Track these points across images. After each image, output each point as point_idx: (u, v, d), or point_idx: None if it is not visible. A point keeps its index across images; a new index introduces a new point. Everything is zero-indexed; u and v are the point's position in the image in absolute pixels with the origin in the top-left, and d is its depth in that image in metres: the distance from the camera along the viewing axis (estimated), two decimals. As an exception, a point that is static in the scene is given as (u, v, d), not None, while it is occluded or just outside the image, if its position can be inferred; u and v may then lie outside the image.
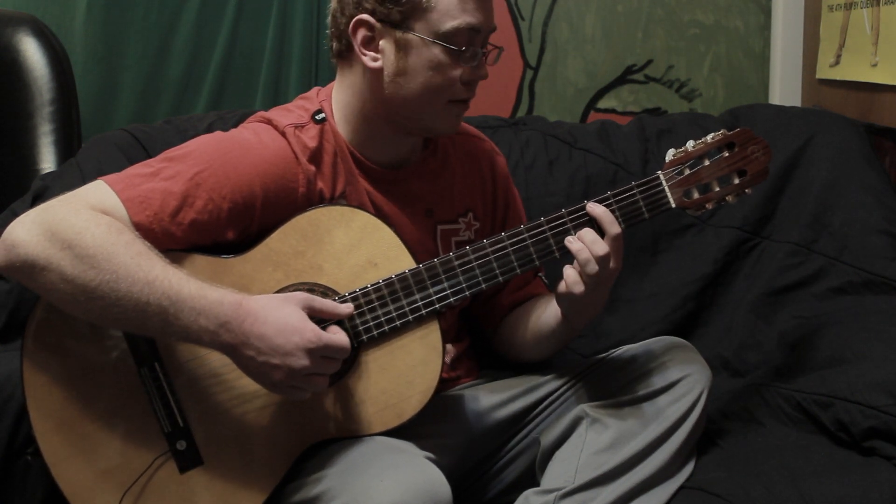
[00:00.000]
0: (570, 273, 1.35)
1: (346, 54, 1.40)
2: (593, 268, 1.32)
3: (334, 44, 1.41)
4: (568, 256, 1.36)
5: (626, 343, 1.55)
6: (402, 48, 1.34)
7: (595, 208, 1.35)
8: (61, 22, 2.19)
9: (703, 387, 1.42)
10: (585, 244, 1.33)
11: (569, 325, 1.45)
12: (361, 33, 1.35)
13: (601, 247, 1.32)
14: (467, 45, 1.34)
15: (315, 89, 1.48)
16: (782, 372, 1.69)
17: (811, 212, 1.87)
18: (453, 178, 1.52)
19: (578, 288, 1.34)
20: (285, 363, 1.21)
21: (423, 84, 1.35)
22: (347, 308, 1.30)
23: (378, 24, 1.34)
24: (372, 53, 1.36)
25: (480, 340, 1.65)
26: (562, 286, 1.37)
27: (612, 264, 1.33)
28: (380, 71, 1.36)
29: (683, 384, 1.40)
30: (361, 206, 1.39)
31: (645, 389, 1.40)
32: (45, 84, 1.92)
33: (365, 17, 1.34)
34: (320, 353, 1.23)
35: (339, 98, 1.43)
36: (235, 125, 1.50)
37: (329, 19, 1.41)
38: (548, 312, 1.48)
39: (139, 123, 1.92)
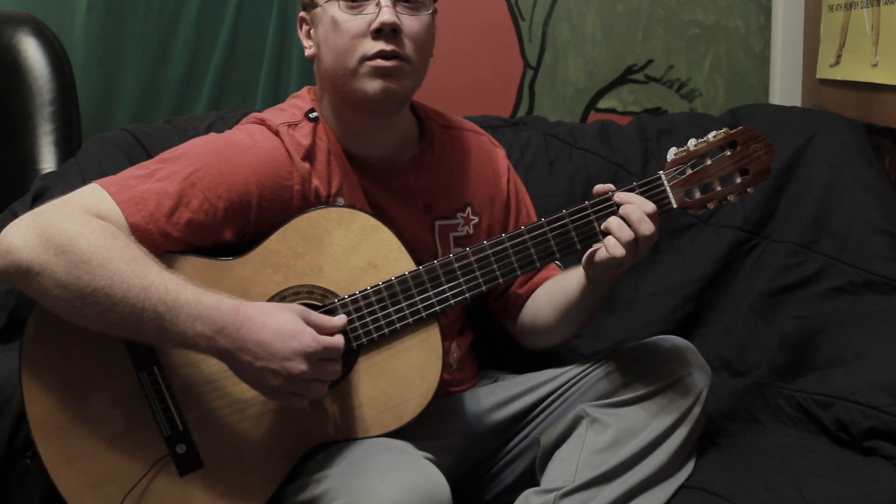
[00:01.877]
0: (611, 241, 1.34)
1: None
2: (648, 228, 1.31)
3: None
4: (569, 257, 1.35)
5: (626, 343, 1.55)
6: (315, 24, 1.41)
7: (621, 196, 1.34)
8: (61, 22, 2.19)
9: (702, 386, 1.42)
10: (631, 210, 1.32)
11: (594, 292, 1.43)
12: (303, 28, 1.45)
13: (645, 213, 1.32)
14: None
15: (306, 88, 1.50)
16: (783, 372, 1.70)
17: (811, 212, 1.87)
18: (451, 172, 1.52)
19: (619, 251, 1.32)
20: (283, 368, 1.21)
21: (332, 48, 1.37)
22: (341, 320, 1.29)
23: (307, 15, 1.43)
24: (308, 42, 1.44)
25: (480, 340, 1.64)
26: (601, 253, 1.34)
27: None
28: (315, 56, 1.42)
29: (683, 384, 1.40)
30: (358, 205, 1.39)
31: (644, 389, 1.40)
32: (45, 84, 1.92)
33: (301, 13, 1.44)
34: (319, 356, 1.23)
35: (318, 98, 1.47)
36: (235, 125, 1.50)
37: None
38: (570, 285, 1.47)
39: (139, 123, 1.92)
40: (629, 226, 1.32)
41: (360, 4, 1.35)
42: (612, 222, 1.33)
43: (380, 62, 1.34)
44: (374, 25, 1.33)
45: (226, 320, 1.20)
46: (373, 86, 1.35)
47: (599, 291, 1.44)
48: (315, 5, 1.39)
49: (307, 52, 1.44)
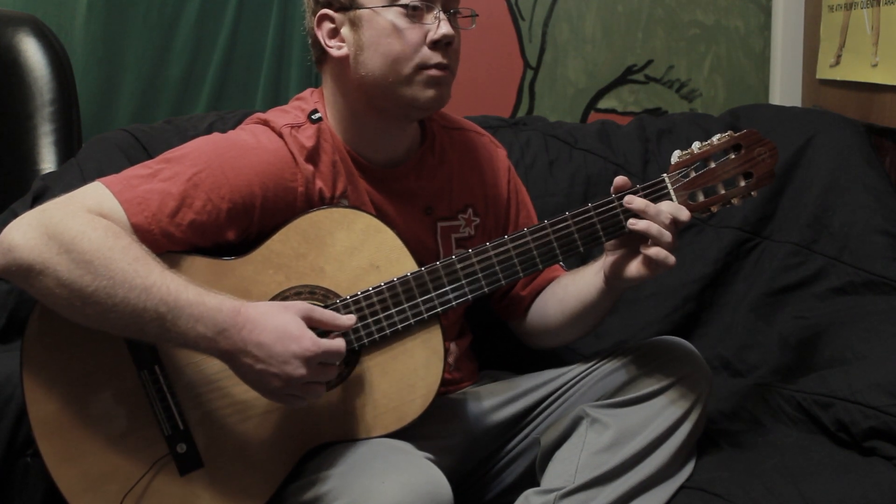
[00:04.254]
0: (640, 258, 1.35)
1: (322, 57, 1.43)
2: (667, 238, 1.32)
3: (313, 52, 1.45)
4: (571, 259, 1.35)
5: (626, 343, 1.55)
6: (356, 26, 1.37)
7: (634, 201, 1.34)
8: (61, 22, 2.19)
9: (703, 387, 1.42)
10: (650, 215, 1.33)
11: (613, 295, 1.44)
12: (325, 27, 1.40)
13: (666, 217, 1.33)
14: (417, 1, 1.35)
15: (309, 90, 1.49)
16: (783, 372, 1.70)
17: (811, 212, 1.87)
18: (451, 174, 1.52)
19: (672, 259, 1.33)
20: (283, 371, 1.21)
21: (384, 54, 1.35)
22: (349, 319, 1.29)
23: (336, 14, 1.38)
24: (336, 43, 1.39)
25: (480, 340, 1.65)
26: (635, 269, 1.35)
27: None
28: (346, 58, 1.38)
29: (683, 384, 1.40)
30: (362, 207, 1.39)
31: (645, 389, 1.40)
32: (45, 84, 1.92)
33: (323, 10, 1.39)
34: (318, 360, 1.23)
35: (328, 100, 1.45)
36: (235, 125, 1.50)
37: (306, 30, 1.45)
38: (584, 289, 1.47)
39: (139, 123, 1.92)
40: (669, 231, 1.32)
41: (420, 14, 1.35)
42: (652, 228, 1.31)
43: (435, 72, 1.36)
44: (435, 37, 1.35)
45: (227, 322, 1.20)
46: (426, 94, 1.37)
47: (618, 294, 1.45)
48: (358, 6, 1.36)
49: (336, 53, 1.39)
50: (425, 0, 1.35)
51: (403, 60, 1.35)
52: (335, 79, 1.43)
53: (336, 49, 1.39)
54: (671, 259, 1.32)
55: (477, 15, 1.43)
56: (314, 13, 1.41)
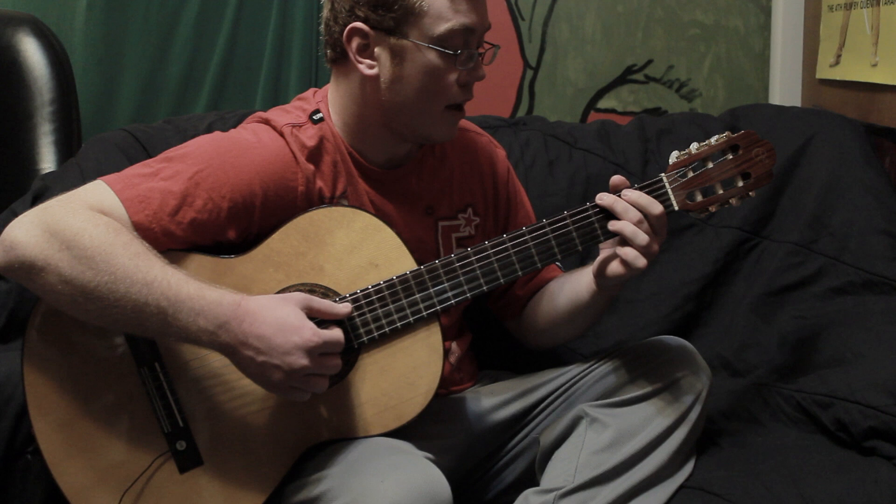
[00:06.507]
0: (620, 256, 1.34)
1: (341, 61, 1.40)
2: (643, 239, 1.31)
3: (329, 51, 1.42)
4: (570, 258, 1.35)
5: (626, 343, 1.55)
6: (397, 55, 1.34)
7: (605, 198, 1.34)
8: (61, 22, 2.19)
9: (702, 386, 1.42)
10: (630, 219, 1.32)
11: (604, 297, 1.44)
12: (356, 41, 1.36)
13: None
14: (462, 47, 1.34)
15: (311, 90, 1.49)
16: (782, 372, 1.70)
17: (811, 212, 1.87)
18: (452, 174, 1.52)
19: (641, 261, 1.32)
20: (284, 363, 1.21)
21: (420, 90, 1.35)
22: (346, 308, 1.30)
23: (372, 32, 1.34)
24: (368, 61, 1.36)
25: (480, 340, 1.65)
26: (614, 268, 1.35)
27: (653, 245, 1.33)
28: (376, 78, 1.36)
29: (683, 384, 1.41)
30: (362, 207, 1.39)
31: (644, 389, 1.40)
32: (45, 84, 1.92)
33: (358, 25, 1.34)
34: (319, 351, 1.23)
35: (335, 101, 1.43)
36: (235, 125, 1.50)
37: (322, 27, 1.42)
38: (577, 290, 1.47)
39: (139, 123, 1.92)
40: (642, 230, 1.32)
41: (460, 60, 1.34)
42: (627, 228, 1.32)
43: (458, 112, 1.40)
44: (470, 80, 1.37)
45: (228, 315, 1.21)
46: (444, 131, 1.41)
47: (610, 295, 1.45)
48: (402, 35, 1.33)
49: (367, 72, 1.35)
50: (468, 48, 1.35)
51: (437, 99, 1.36)
52: (354, 89, 1.40)
53: (367, 68, 1.36)
54: (640, 261, 1.32)
55: (500, 47, 1.42)
56: (345, 23, 1.35)
